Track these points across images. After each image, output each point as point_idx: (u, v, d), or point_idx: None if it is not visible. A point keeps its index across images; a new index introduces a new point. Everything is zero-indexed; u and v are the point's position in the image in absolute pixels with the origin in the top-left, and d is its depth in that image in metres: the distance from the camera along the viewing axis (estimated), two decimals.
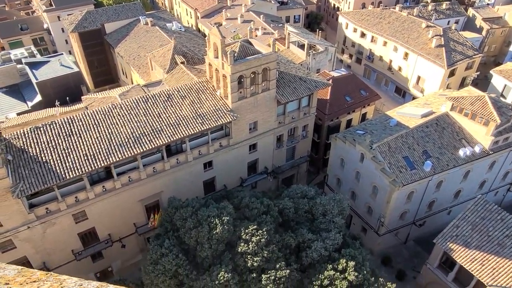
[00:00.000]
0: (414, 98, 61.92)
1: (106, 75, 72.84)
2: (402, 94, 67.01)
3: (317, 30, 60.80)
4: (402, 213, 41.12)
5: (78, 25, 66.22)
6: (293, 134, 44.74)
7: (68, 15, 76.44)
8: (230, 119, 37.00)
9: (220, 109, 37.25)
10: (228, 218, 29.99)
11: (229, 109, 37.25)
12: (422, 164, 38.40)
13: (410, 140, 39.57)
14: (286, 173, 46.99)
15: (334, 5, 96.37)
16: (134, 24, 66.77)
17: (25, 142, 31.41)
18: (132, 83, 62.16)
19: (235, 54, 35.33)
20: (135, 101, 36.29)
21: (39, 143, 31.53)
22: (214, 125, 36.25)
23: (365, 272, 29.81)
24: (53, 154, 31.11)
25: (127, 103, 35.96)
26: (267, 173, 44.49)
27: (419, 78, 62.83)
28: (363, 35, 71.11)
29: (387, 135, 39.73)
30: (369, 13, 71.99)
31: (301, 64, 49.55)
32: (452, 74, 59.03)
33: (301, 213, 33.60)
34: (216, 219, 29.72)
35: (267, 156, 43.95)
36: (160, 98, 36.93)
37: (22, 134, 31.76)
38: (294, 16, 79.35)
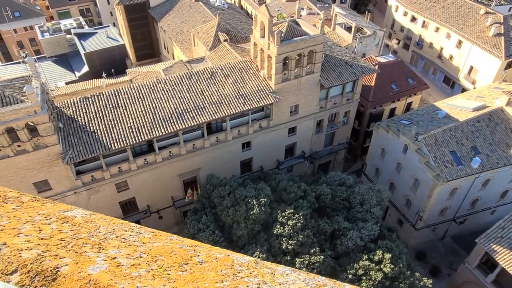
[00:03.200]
0: (464, 89, 58.66)
1: (148, 49, 73.77)
2: (451, 84, 63.65)
3: (366, 12, 58.28)
4: (443, 209, 39.71)
5: None
6: (333, 119, 43.80)
7: None
8: (272, 101, 36.61)
9: (263, 90, 36.86)
10: (265, 199, 30.07)
11: (271, 91, 36.80)
12: (470, 160, 36.62)
13: (459, 134, 37.69)
14: (323, 159, 46.33)
15: None
16: None
17: (74, 111, 32.51)
18: (174, 58, 62.65)
19: (282, 35, 34.53)
20: (179, 77, 36.52)
21: (88, 113, 32.54)
22: (256, 106, 36.00)
23: (401, 265, 29.25)
24: (100, 124, 32.07)
25: (171, 79, 36.26)
26: (304, 158, 44.05)
27: (471, 68, 59.25)
28: (413, 19, 67.53)
29: (434, 127, 38.02)
30: None
31: (346, 48, 47.89)
32: (509, 66, 55.22)
33: (338, 200, 33.17)
34: (254, 200, 29.88)
35: (306, 140, 43.39)
36: (204, 76, 36.95)
37: (72, 103, 32.86)
38: None
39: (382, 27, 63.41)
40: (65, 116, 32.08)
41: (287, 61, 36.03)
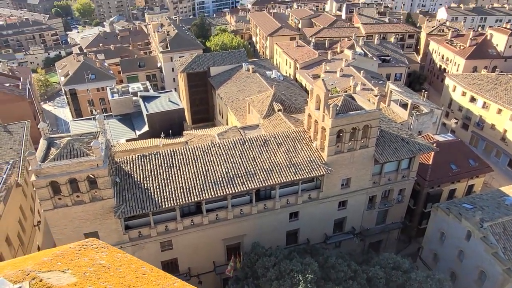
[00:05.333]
0: None
1: (204, 113, 77.73)
2: None
3: (423, 90, 58.04)
4: None
5: (188, 67, 72.55)
6: (387, 196, 41.79)
7: (180, 57, 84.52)
8: (324, 172, 35.97)
9: (315, 160, 36.52)
10: (312, 276, 28.18)
11: (323, 162, 36.34)
12: None
13: None
14: (375, 237, 43.53)
15: (441, 66, 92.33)
16: (237, 70, 70.94)
17: (131, 168, 33.89)
18: (228, 124, 65.15)
19: (338, 108, 34.86)
20: (232, 142, 37.44)
21: (144, 170, 33.75)
22: (307, 176, 35.49)
23: None
24: (154, 182, 32.97)
25: (225, 143, 37.22)
26: (354, 234, 41.66)
27: None
28: (473, 99, 66.03)
29: (502, 215, 34.77)
30: (482, 78, 67.04)
31: (402, 124, 47.12)
32: None
33: (393, 286, 30.22)
34: (300, 275, 28.11)
35: (356, 215, 41.40)
36: (257, 142, 37.58)
37: (130, 160, 34.40)
38: (395, 74, 77.56)
39: (439, 105, 62.36)
40: (122, 171, 33.47)
41: (341, 134, 35.90)
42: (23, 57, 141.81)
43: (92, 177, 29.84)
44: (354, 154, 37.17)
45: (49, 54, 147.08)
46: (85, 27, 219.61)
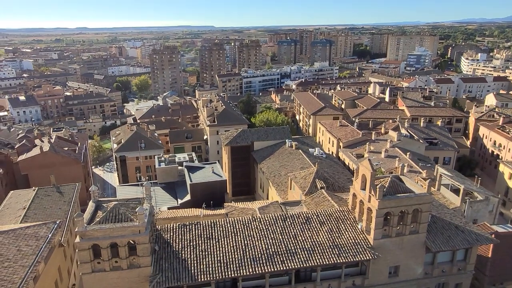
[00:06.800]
0: None
1: (245, 186, 77.95)
2: None
3: (475, 176, 55.22)
4: None
5: (232, 140, 74.85)
6: None
7: (225, 131, 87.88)
8: (370, 257, 33.63)
9: (360, 243, 34.48)
10: None
11: (369, 246, 34.19)
12: None
13: None
14: None
15: (493, 151, 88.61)
16: (280, 145, 72.10)
17: (171, 236, 33.66)
18: (268, 198, 64.51)
19: (385, 189, 33.66)
20: (273, 217, 36.60)
21: (183, 240, 33.36)
22: (351, 260, 33.32)
23: None
24: (192, 253, 32.29)
25: (266, 218, 36.44)
26: None
27: None
28: None
29: None
30: None
31: (454, 211, 44.19)
32: None
33: None
34: None
35: None
36: (298, 220, 36.52)
37: (171, 228, 34.31)
38: (444, 158, 75.06)
39: (494, 193, 58.45)
40: (162, 239, 33.25)
41: (388, 217, 34.16)
42: (83, 124, 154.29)
43: (133, 243, 29.83)
44: (403, 240, 34.80)
45: (105, 122, 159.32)
46: (140, 100, 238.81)
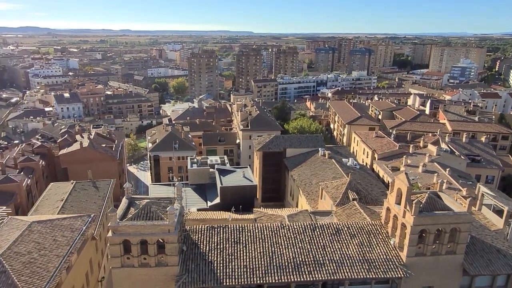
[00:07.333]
0: None
1: (274, 192, 77.44)
2: None
3: None
4: None
5: (265, 146, 74.68)
6: None
7: (258, 136, 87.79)
8: (401, 275, 32.24)
9: (392, 260, 33.15)
10: None
11: (402, 263, 32.80)
12: None
13: None
14: None
15: None
16: (312, 154, 71.10)
17: (199, 238, 33.81)
18: (297, 206, 63.68)
19: (421, 205, 32.23)
20: (302, 226, 36.00)
21: (210, 242, 33.42)
22: (382, 276, 32.09)
23: None
24: (218, 256, 32.28)
25: (295, 227, 35.89)
26: None
27: None
28: None
29: None
30: None
31: (496, 233, 41.63)
32: None
33: None
34: None
35: None
36: (328, 230, 35.69)
37: (199, 230, 34.48)
38: (487, 176, 71.13)
39: None
40: (190, 240, 33.46)
41: (424, 234, 32.66)
42: (121, 123, 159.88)
43: (162, 241, 30.19)
44: (439, 259, 33.14)
45: (142, 122, 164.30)
46: (177, 101, 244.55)
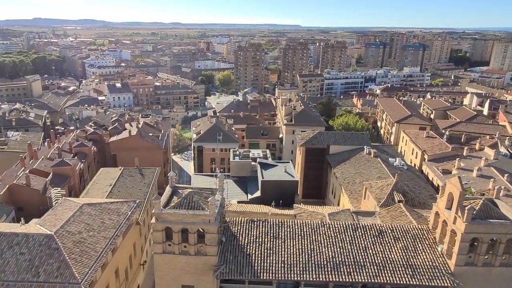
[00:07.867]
0: None
1: (315, 189, 76.21)
2: None
3: None
4: None
5: (308, 142, 73.60)
6: None
7: (301, 131, 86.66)
8: (448, 284, 30.49)
9: (438, 267, 31.43)
10: None
11: (449, 272, 31.00)
12: None
13: None
14: None
15: None
16: (357, 151, 69.03)
17: (238, 230, 33.98)
18: (338, 205, 62.24)
19: (474, 212, 30.13)
20: (344, 225, 35.07)
21: (249, 235, 33.47)
22: (427, 284, 30.58)
23: None
24: (257, 250, 32.27)
25: (336, 225, 35.04)
26: None
27: None
28: None
29: None
30: None
31: None
32: None
33: None
34: None
35: None
36: (371, 232, 34.49)
37: (239, 222, 34.64)
38: None
39: None
40: (229, 232, 33.71)
41: (475, 243, 30.60)
42: (168, 113, 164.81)
43: (202, 231, 30.67)
44: (491, 271, 30.94)
45: (187, 113, 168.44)
46: (222, 94, 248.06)
